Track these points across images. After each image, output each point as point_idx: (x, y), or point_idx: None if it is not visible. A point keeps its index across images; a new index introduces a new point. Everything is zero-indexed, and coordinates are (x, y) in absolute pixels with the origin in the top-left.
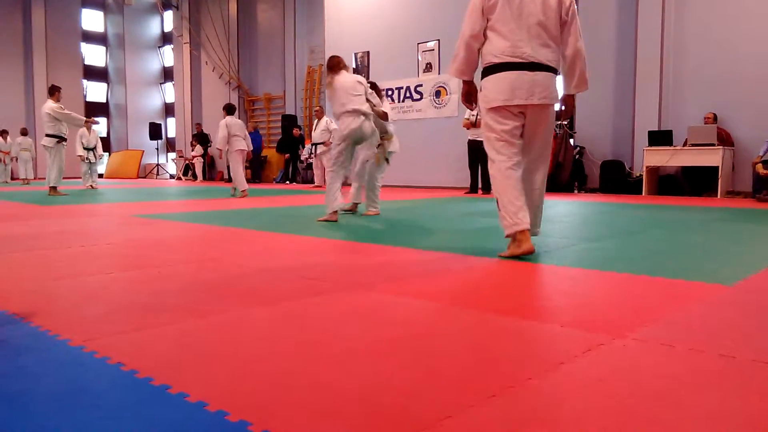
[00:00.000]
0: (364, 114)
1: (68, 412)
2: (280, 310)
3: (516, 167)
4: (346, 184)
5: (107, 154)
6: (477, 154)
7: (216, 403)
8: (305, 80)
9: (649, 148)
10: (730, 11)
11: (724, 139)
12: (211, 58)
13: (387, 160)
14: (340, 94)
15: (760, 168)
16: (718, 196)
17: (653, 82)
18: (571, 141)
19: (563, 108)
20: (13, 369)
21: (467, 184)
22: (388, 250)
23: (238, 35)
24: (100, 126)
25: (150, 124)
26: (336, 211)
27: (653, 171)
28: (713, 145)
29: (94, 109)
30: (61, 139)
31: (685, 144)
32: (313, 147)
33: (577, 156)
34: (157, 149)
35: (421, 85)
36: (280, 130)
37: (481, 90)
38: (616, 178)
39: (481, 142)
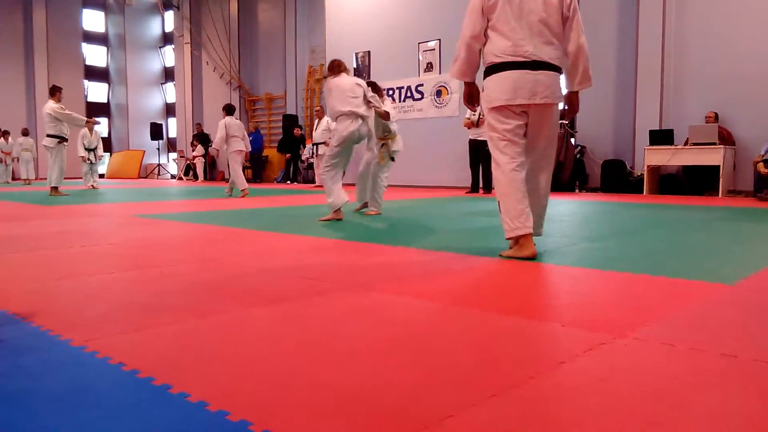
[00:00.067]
0: (361, 117)
1: (69, 412)
2: (281, 310)
3: (519, 168)
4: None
5: (108, 154)
6: (478, 154)
7: (217, 403)
8: (306, 80)
9: (650, 147)
10: (731, 10)
11: (726, 138)
12: (212, 58)
13: (392, 158)
14: (335, 94)
15: (761, 167)
16: (720, 196)
17: (654, 81)
18: (572, 140)
19: (568, 106)
20: (14, 369)
21: (468, 183)
22: (388, 249)
23: (239, 35)
24: (101, 126)
25: (151, 124)
26: (339, 210)
27: (654, 170)
28: (714, 144)
29: (95, 110)
30: (62, 139)
31: (686, 143)
32: (314, 147)
33: (578, 155)
34: (158, 149)
35: (422, 85)
36: (281, 130)
37: (483, 90)
38: (617, 178)
39: (482, 141)
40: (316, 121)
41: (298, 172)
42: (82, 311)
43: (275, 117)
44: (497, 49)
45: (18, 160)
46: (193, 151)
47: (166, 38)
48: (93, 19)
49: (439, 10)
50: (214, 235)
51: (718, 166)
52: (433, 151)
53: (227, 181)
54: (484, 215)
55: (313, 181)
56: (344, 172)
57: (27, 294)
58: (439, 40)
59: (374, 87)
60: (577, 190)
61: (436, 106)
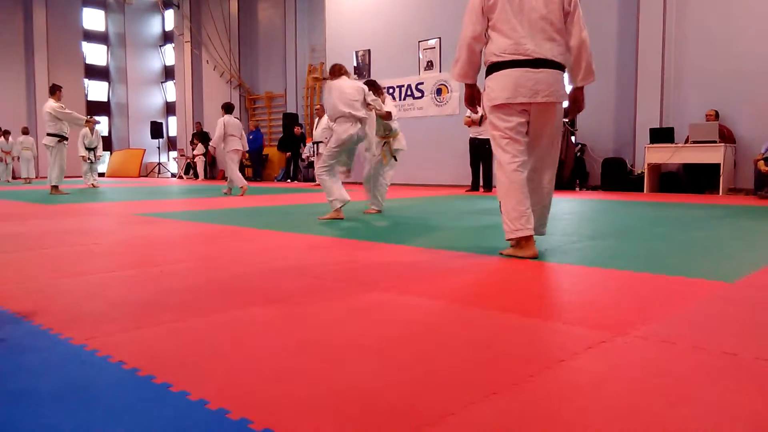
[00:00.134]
0: (360, 120)
1: (70, 410)
2: (281, 308)
3: (521, 168)
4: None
5: (108, 153)
6: (478, 152)
7: (217, 402)
8: (306, 79)
9: (651, 145)
10: (731, 8)
11: (726, 136)
12: (212, 56)
13: (395, 158)
14: (336, 95)
15: (761, 165)
16: (720, 194)
17: (655, 80)
18: (573, 138)
19: (573, 103)
20: (14, 367)
21: (468, 181)
22: (389, 248)
23: (239, 34)
24: (102, 125)
25: (151, 122)
26: (340, 209)
27: (655, 168)
28: (715, 142)
29: (96, 108)
30: (62, 138)
31: (686, 141)
32: (315, 145)
33: (578, 153)
34: (159, 148)
35: (422, 83)
36: (281, 129)
37: (485, 89)
38: (618, 176)
39: (483, 140)
40: (317, 119)
41: (299, 171)
42: (82, 310)
43: (275, 116)
44: (498, 48)
45: (19, 159)
46: (193, 149)
47: (167, 37)
48: (93, 18)
49: (439, 9)
50: (214, 233)
51: (719, 164)
52: (434, 150)
53: (227, 179)
54: (484, 213)
55: (313, 180)
56: (350, 171)
57: (27, 293)
58: (440, 38)
59: (374, 86)
60: (577, 189)
61: (437, 105)
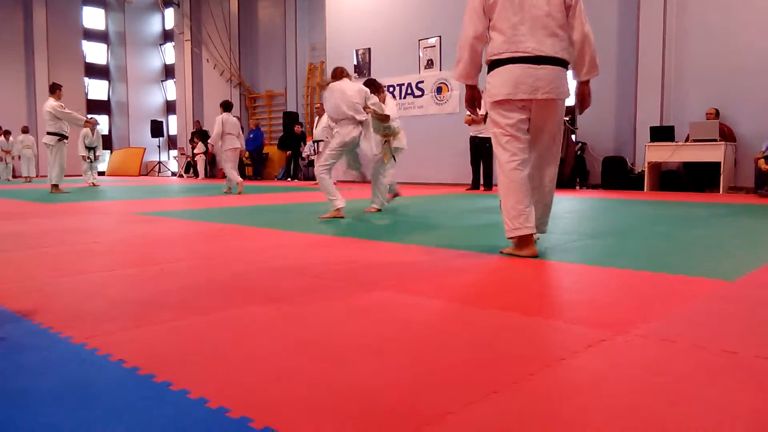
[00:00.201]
0: (361, 122)
1: (70, 409)
2: (282, 307)
3: (522, 166)
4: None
5: (108, 151)
6: (479, 150)
7: (217, 400)
8: (306, 77)
9: (651, 143)
10: (732, 6)
11: (727, 134)
12: (212, 55)
13: (394, 157)
14: (338, 96)
15: (762, 163)
16: (720, 192)
17: (655, 78)
18: (573, 137)
19: (579, 98)
20: (14, 366)
21: (469, 180)
22: (389, 247)
23: (239, 32)
24: (102, 124)
25: (151, 121)
26: (341, 209)
27: (655, 167)
28: (715, 140)
29: (96, 107)
30: (62, 137)
31: (687, 140)
32: (315, 144)
33: (578, 152)
34: (159, 147)
35: (422, 82)
36: (281, 127)
37: (486, 86)
38: (618, 174)
39: (483, 138)
40: (317, 118)
41: (299, 170)
42: (82, 308)
43: (276, 114)
44: (499, 46)
45: (20, 157)
46: (193, 148)
47: (167, 35)
48: (93, 17)
49: (439, 7)
50: (214, 232)
51: (719, 163)
52: (434, 148)
53: (227, 178)
54: (484, 212)
55: (313, 179)
56: (361, 173)
57: (27, 291)
58: (440, 37)
59: (374, 84)
60: (577, 187)
61: (437, 103)
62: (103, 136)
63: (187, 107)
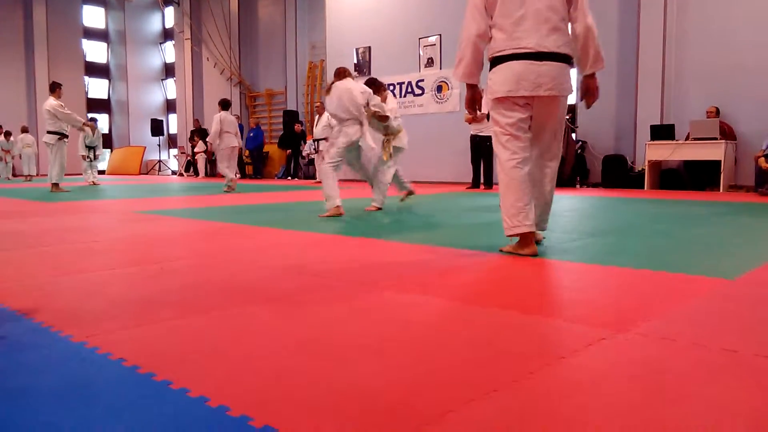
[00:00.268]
0: (362, 123)
1: (70, 407)
2: (282, 306)
3: (521, 165)
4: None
5: (109, 150)
6: (479, 149)
7: (217, 399)
8: (306, 76)
9: (651, 142)
10: (732, 5)
11: (727, 133)
12: (212, 54)
13: (391, 156)
14: (345, 97)
15: (762, 162)
16: (721, 191)
17: (655, 76)
18: (573, 135)
19: (586, 92)
20: (14, 365)
21: (469, 179)
22: (389, 245)
23: (239, 31)
24: (102, 122)
25: (151, 120)
26: (340, 206)
27: (655, 165)
28: (715, 139)
29: (96, 106)
30: (62, 135)
31: (687, 138)
32: (315, 143)
33: (579, 150)
34: (159, 145)
35: (422, 80)
36: (281, 126)
37: (487, 83)
38: (618, 173)
39: (484, 137)
40: (317, 117)
41: (299, 168)
42: (82, 307)
43: (276, 113)
44: (500, 43)
45: (20, 156)
46: (194, 147)
47: (167, 34)
48: (93, 15)
49: (439, 6)
50: (214, 231)
51: (719, 161)
52: (434, 147)
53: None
54: (484, 211)
55: (313, 177)
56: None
57: (27, 290)
58: (440, 35)
59: (375, 84)
60: (578, 186)
61: (437, 102)
62: (103, 134)
63: (188, 106)
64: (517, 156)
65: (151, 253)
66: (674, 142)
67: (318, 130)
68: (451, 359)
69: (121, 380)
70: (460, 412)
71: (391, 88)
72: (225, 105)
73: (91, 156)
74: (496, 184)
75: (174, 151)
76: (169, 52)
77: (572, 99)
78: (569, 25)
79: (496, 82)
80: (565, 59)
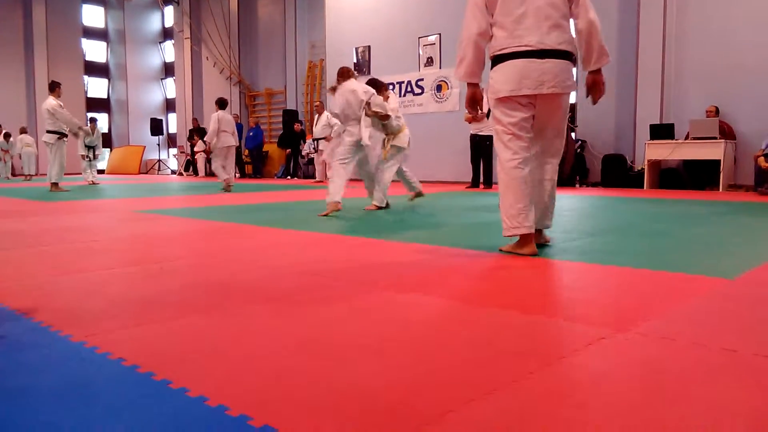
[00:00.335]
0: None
1: (70, 407)
2: (281, 306)
3: (522, 165)
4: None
5: (108, 150)
6: (479, 148)
7: (216, 398)
8: (306, 75)
9: (651, 141)
10: (732, 4)
11: (726, 132)
12: (212, 53)
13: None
14: (351, 98)
15: (762, 161)
16: (720, 190)
17: (655, 76)
18: (573, 135)
19: (592, 88)
20: (14, 365)
21: (468, 178)
22: (389, 245)
23: (238, 30)
24: (102, 122)
25: (151, 119)
26: (339, 201)
27: (655, 165)
28: (715, 138)
29: (95, 105)
30: (62, 135)
31: (686, 137)
32: (315, 142)
33: (578, 150)
34: (159, 145)
35: (422, 80)
36: (281, 125)
37: (489, 82)
38: (618, 172)
39: (483, 136)
40: (316, 116)
41: (299, 168)
42: (82, 307)
43: (275, 112)
44: (501, 41)
45: (21, 156)
46: (193, 146)
47: (166, 33)
48: (92, 15)
49: (439, 5)
50: (214, 230)
51: (719, 161)
52: (433, 146)
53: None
54: (484, 210)
55: (313, 177)
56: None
57: (27, 290)
58: (440, 34)
59: (376, 84)
60: (577, 185)
61: (437, 101)
62: (102, 134)
63: (187, 105)
64: (519, 156)
65: (151, 252)
66: (674, 141)
67: (317, 130)
68: (450, 359)
69: (120, 380)
70: (460, 412)
71: (391, 87)
72: (222, 104)
73: (91, 155)
74: (496, 183)
75: (173, 151)
76: (168, 51)
77: (572, 98)
78: (571, 21)
79: (498, 81)
80: (567, 56)
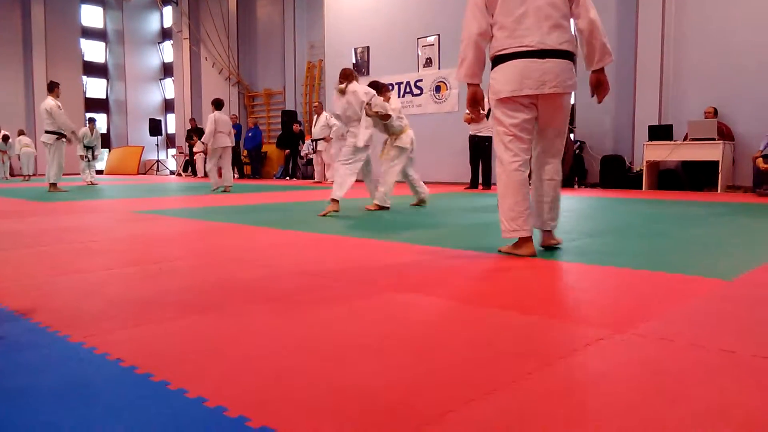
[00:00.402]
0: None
1: (69, 407)
2: (281, 306)
3: (523, 167)
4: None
5: (107, 150)
6: (478, 149)
7: (215, 399)
8: (305, 76)
9: (650, 142)
10: (730, 5)
11: (725, 133)
12: (210, 53)
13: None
14: (351, 98)
15: (760, 162)
16: (719, 191)
17: (653, 77)
18: (572, 136)
19: (596, 87)
20: (13, 365)
21: (467, 179)
22: (388, 245)
23: (237, 31)
24: (100, 122)
25: (150, 120)
26: (337, 202)
27: (653, 166)
28: (713, 139)
29: (94, 105)
30: (60, 135)
31: (685, 138)
32: (314, 143)
33: (577, 151)
34: (157, 145)
35: (421, 80)
36: (280, 126)
37: (490, 82)
38: (617, 173)
39: (483, 137)
40: (315, 117)
41: (297, 168)
42: (80, 307)
43: (274, 113)
44: (502, 41)
45: (19, 157)
46: (192, 147)
47: (165, 34)
48: (91, 15)
49: (438, 6)
50: (213, 231)
51: (717, 162)
52: (432, 147)
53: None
54: (483, 211)
55: (312, 177)
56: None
57: (25, 290)
58: (438, 35)
59: (378, 87)
60: (576, 186)
61: (435, 102)
62: (101, 134)
63: (186, 106)
64: (519, 158)
65: (150, 253)
66: (672, 142)
67: (316, 130)
68: (450, 359)
69: (119, 380)
70: (459, 412)
71: (390, 88)
72: (218, 105)
73: (90, 156)
74: (495, 184)
75: (172, 151)
76: (167, 51)
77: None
78: (572, 22)
79: (500, 81)
80: (568, 56)
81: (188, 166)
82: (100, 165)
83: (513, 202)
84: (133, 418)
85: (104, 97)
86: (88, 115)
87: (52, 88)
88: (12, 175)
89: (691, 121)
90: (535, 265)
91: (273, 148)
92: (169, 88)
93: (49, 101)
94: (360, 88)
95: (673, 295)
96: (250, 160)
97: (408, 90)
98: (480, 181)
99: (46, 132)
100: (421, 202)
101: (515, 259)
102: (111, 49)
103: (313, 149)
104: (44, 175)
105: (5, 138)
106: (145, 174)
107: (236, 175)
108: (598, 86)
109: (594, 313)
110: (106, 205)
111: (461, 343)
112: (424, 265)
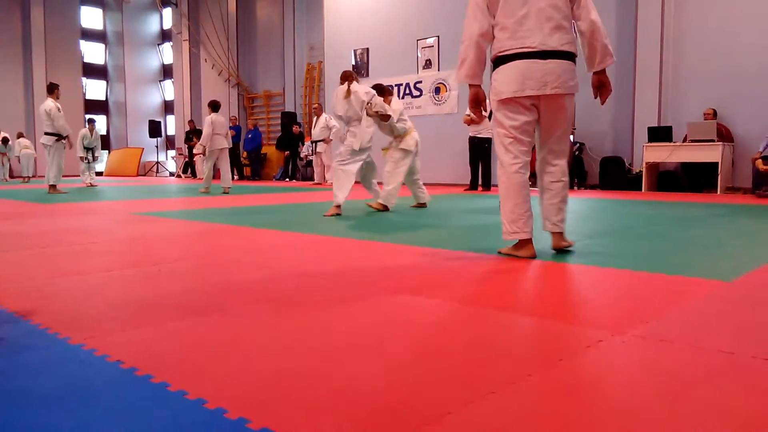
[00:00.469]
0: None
1: (68, 409)
2: (280, 307)
3: (524, 169)
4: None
5: (106, 151)
6: (478, 151)
7: (215, 401)
8: (305, 77)
9: (649, 144)
10: (730, 6)
11: (724, 134)
12: (210, 55)
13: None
14: (354, 100)
15: (759, 164)
16: (718, 192)
17: (653, 78)
18: (571, 137)
19: (599, 88)
20: (13, 367)
21: (467, 180)
22: (388, 247)
23: (237, 32)
24: (100, 124)
25: (149, 121)
26: (339, 206)
27: (653, 167)
28: (713, 141)
29: (94, 107)
30: (60, 137)
31: (684, 140)
32: (313, 144)
33: (576, 152)
34: (157, 147)
35: (420, 82)
36: (279, 128)
37: (491, 83)
38: (616, 175)
39: (482, 138)
40: (315, 118)
41: (297, 170)
42: (80, 309)
43: (274, 114)
44: (503, 42)
45: (19, 159)
46: (192, 148)
47: (165, 35)
48: (91, 17)
49: (438, 7)
50: (212, 232)
51: (717, 163)
52: (432, 149)
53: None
54: (483, 212)
55: (311, 179)
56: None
57: (25, 292)
58: (438, 36)
59: (381, 89)
60: (575, 187)
61: (435, 104)
62: (101, 136)
63: (185, 107)
64: (520, 161)
65: (149, 254)
66: (672, 144)
67: (316, 132)
68: (450, 360)
69: (119, 382)
70: (459, 413)
71: (392, 91)
72: (215, 107)
73: (89, 157)
74: (494, 185)
75: (172, 153)
76: (167, 53)
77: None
78: (573, 23)
79: (501, 82)
80: (570, 57)
81: (188, 167)
82: (100, 167)
83: (513, 204)
84: (133, 420)
85: (104, 98)
86: (88, 116)
87: (52, 89)
88: (12, 176)
89: (690, 123)
90: (534, 267)
91: (273, 150)
92: (168, 89)
93: (49, 103)
94: (360, 88)
95: (672, 297)
96: (249, 162)
97: (407, 91)
98: (480, 182)
99: (46, 134)
100: (421, 205)
101: (515, 261)
102: (110, 50)
103: (312, 151)
104: (44, 176)
105: (5, 140)
106: (144, 175)
107: (236, 177)
108: (601, 87)
109: (594, 315)
110: (105, 206)
111: (461, 344)
112: (424, 266)
